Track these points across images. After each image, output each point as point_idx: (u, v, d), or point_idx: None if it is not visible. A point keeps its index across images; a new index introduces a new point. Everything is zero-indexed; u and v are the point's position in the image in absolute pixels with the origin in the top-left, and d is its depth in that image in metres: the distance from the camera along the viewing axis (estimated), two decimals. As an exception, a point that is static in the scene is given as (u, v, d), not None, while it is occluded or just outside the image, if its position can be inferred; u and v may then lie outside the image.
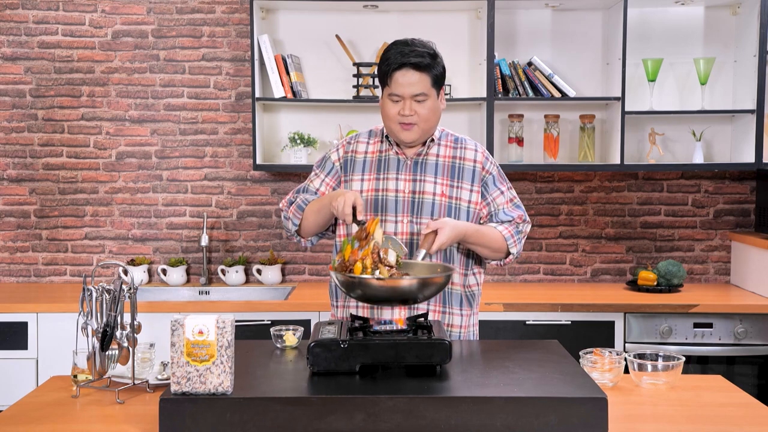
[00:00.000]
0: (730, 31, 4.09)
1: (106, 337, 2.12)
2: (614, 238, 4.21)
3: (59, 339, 3.52)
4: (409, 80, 2.44)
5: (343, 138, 2.66)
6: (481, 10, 3.99)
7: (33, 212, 4.20)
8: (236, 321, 2.93)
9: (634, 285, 3.95)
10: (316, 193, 2.60)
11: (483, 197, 2.56)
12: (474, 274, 2.61)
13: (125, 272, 3.82)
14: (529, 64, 4.01)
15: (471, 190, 2.55)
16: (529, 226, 2.62)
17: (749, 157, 3.90)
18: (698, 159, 4.00)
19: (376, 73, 2.48)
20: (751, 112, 3.89)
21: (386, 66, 2.45)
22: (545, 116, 4.06)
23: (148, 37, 4.16)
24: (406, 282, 2.12)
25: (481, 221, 2.57)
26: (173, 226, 4.22)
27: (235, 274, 4.09)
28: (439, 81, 2.50)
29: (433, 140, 2.57)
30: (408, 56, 2.44)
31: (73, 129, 4.18)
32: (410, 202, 2.51)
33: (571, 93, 3.96)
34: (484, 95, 3.89)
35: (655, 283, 3.85)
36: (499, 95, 3.94)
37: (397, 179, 2.53)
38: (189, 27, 4.16)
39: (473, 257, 2.59)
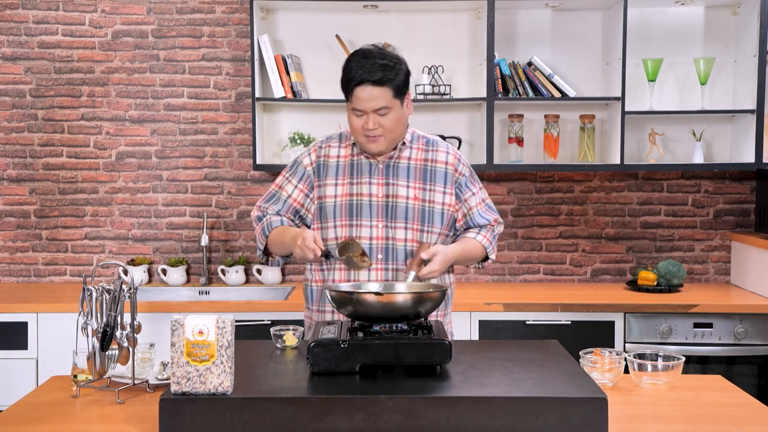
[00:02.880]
0: (730, 31, 4.09)
1: (106, 337, 2.12)
2: (614, 238, 4.21)
3: (59, 339, 3.51)
4: (369, 95, 2.42)
5: (314, 142, 2.66)
6: (481, 10, 3.99)
7: (33, 212, 4.20)
8: (236, 321, 2.93)
9: (634, 285, 3.95)
10: (287, 201, 2.58)
11: (457, 198, 2.58)
12: (448, 273, 2.64)
13: (125, 272, 3.81)
14: (529, 64, 4.01)
15: (444, 192, 2.56)
16: (503, 226, 2.68)
17: (749, 157, 3.90)
18: (698, 159, 4.00)
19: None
20: (751, 112, 3.89)
21: (347, 82, 2.45)
22: (545, 116, 4.06)
23: (148, 37, 4.16)
24: (401, 298, 2.13)
25: (457, 224, 2.61)
26: (173, 226, 4.22)
27: (235, 274, 4.09)
28: (401, 90, 2.47)
29: (404, 143, 2.57)
30: (368, 71, 2.41)
31: (73, 129, 4.18)
32: (384, 207, 2.52)
33: (571, 93, 3.96)
34: (484, 95, 3.89)
35: (655, 283, 3.85)
36: (499, 95, 3.94)
37: (370, 183, 2.53)
38: (189, 27, 4.16)
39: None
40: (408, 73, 2.51)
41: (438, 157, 2.59)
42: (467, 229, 2.63)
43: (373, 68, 2.42)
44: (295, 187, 2.59)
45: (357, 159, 2.56)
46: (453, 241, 2.61)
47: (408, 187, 2.53)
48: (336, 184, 2.55)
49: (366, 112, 2.44)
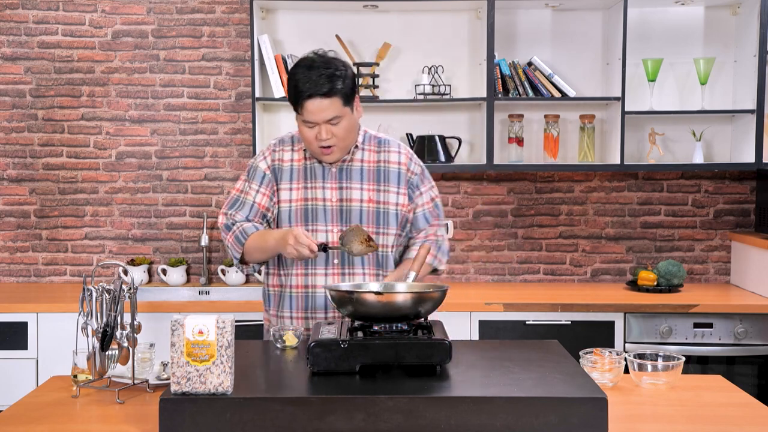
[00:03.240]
0: (730, 31, 4.09)
1: (106, 337, 2.12)
2: (614, 238, 4.21)
3: (59, 339, 3.51)
4: (319, 107, 2.40)
5: (266, 146, 2.65)
6: (481, 10, 3.98)
7: (33, 212, 4.20)
8: (236, 321, 2.93)
9: (634, 285, 3.95)
10: (253, 206, 2.56)
11: (410, 198, 2.60)
12: None
13: (125, 272, 3.81)
14: (529, 64, 4.01)
15: (397, 193, 2.57)
16: (445, 230, 2.68)
17: (749, 157, 3.90)
18: (698, 159, 4.00)
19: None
20: (751, 112, 3.89)
21: (295, 96, 2.42)
22: (545, 116, 4.06)
23: (148, 37, 4.16)
24: (401, 297, 2.12)
25: (409, 225, 2.62)
26: (173, 226, 4.22)
27: (235, 274, 4.08)
28: (349, 97, 2.45)
29: (357, 146, 2.56)
30: (314, 84, 2.38)
31: (73, 129, 4.18)
32: (338, 211, 2.52)
33: (571, 93, 3.96)
34: (484, 95, 3.89)
35: (655, 283, 3.85)
36: (499, 95, 3.94)
37: (323, 188, 2.53)
38: (189, 27, 4.16)
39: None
40: (354, 77, 2.49)
41: (390, 158, 2.59)
42: (410, 238, 2.63)
43: (320, 80, 2.39)
44: (257, 191, 2.57)
45: (310, 163, 2.56)
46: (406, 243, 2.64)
47: (362, 189, 2.53)
48: (290, 189, 2.54)
49: (317, 123, 2.42)
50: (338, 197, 2.53)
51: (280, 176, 2.56)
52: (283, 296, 2.57)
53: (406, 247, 2.66)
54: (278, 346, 2.31)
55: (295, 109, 2.46)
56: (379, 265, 2.55)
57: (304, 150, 2.57)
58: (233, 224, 2.57)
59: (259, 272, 2.70)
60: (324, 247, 2.39)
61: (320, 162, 2.54)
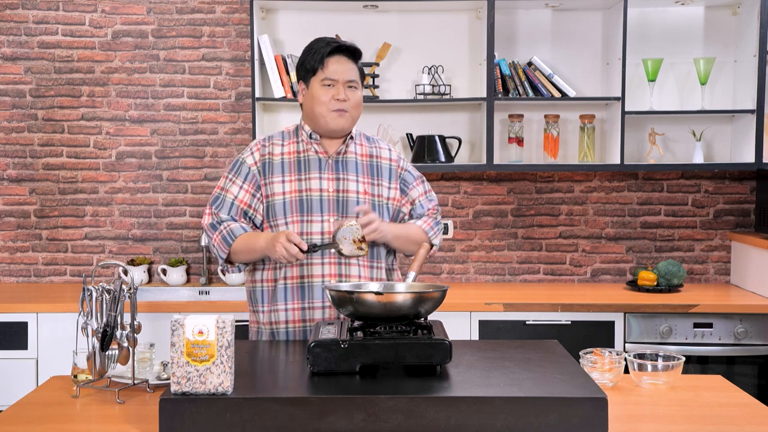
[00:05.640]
0: (730, 31, 4.09)
1: (106, 337, 2.12)
2: (614, 238, 4.21)
3: (59, 339, 3.52)
4: (343, 67, 2.51)
5: (254, 141, 2.65)
6: (481, 10, 3.99)
7: (33, 212, 4.20)
8: (236, 321, 2.93)
9: (634, 285, 3.95)
10: (233, 203, 2.54)
11: (403, 193, 2.62)
12: (396, 268, 2.67)
13: (125, 272, 3.81)
14: (529, 64, 4.01)
15: (389, 188, 2.60)
16: (440, 214, 2.71)
17: (749, 157, 3.90)
18: (698, 159, 4.00)
19: (306, 66, 2.53)
20: (751, 112, 3.89)
21: (318, 53, 2.50)
22: (545, 116, 4.06)
23: (148, 37, 4.16)
24: (401, 297, 2.12)
25: (405, 218, 2.64)
26: (173, 226, 4.22)
27: (236, 274, 4.08)
28: (363, 76, 2.58)
29: (352, 137, 2.59)
30: (339, 43, 2.52)
31: (73, 129, 4.18)
32: (335, 201, 2.52)
33: (571, 93, 3.96)
34: (484, 95, 3.89)
35: (655, 283, 3.85)
36: (499, 95, 3.94)
37: (320, 179, 2.53)
38: (189, 27, 4.16)
39: (394, 254, 2.66)
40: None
41: (382, 154, 2.63)
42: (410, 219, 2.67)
43: (345, 43, 2.54)
44: (240, 187, 2.55)
45: (304, 155, 2.56)
46: None
47: (358, 181, 2.55)
48: (283, 181, 2.53)
49: (338, 82, 2.49)
50: (335, 188, 2.53)
51: (271, 170, 2.55)
52: (277, 289, 2.53)
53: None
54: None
55: (312, 72, 2.51)
56: (373, 257, 2.55)
57: (297, 143, 2.58)
58: (219, 224, 2.54)
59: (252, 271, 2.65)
60: (314, 247, 2.38)
61: (317, 152, 2.55)
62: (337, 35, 4.03)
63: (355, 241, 2.37)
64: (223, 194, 2.57)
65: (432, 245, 2.63)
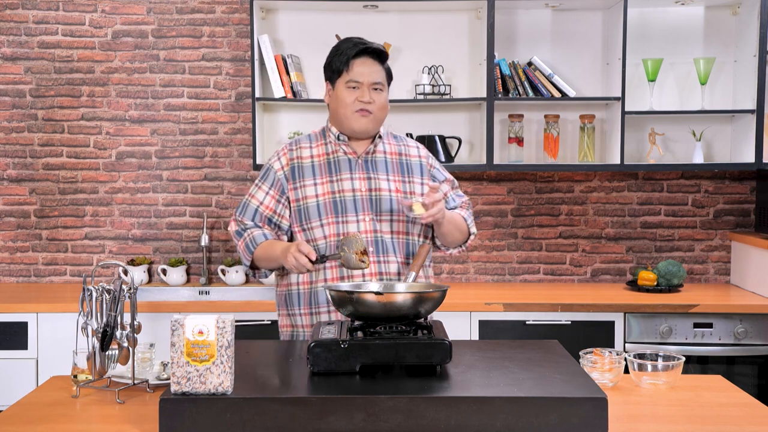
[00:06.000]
0: (730, 31, 4.09)
1: (106, 337, 2.12)
2: (614, 238, 4.21)
3: (59, 339, 3.52)
4: (369, 69, 2.50)
5: (283, 145, 2.65)
6: (481, 10, 3.99)
7: (33, 212, 4.20)
8: (236, 321, 2.93)
9: (634, 285, 3.95)
10: (258, 209, 2.55)
11: None
12: (430, 265, 2.66)
13: (125, 272, 3.81)
14: (529, 64, 4.01)
15: (421, 184, 2.60)
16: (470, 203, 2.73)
17: (749, 157, 3.90)
18: (698, 159, 4.00)
19: (332, 67, 2.54)
20: (751, 112, 3.89)
21: (344, 55, 2.50)
22: (545, 116, 4.06)
23: (148, 37, 4.16)
24: (401, 297, 2.12)
25: None
26: (173, 226, 4.22)
27: (235, 274, 4.08)
28: (389, 78, 2.56)
29: (380, 137, 2.59)
30: (366, 44, 2.51)
31: (73, 129, 4.18)
32: (369, 200, 2.52)
33: (571, 93, 3.96)
34: (484, 95, 3.89)
35: (655, 283, 3.85)
36: (499, 95, 3.94)
37: (352, 179, 2.53)
38: (189, 27, 4.16)
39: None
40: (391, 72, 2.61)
41: (410, 152, 2.63)
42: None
43: (371, 45, 2.52)
44: (266, 193, 2.56)
45: (333, 157, 2.56)
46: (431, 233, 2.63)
47: (389, 180, 2.55)
48: (315, 184, 2.53)
49: (362, 84, 2.49)
50: (367, 187, 2.52)
51: (301, 174, 2.55)
52: (317, 292, 2.51)
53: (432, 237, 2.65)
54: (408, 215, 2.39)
55: (337, 74, 2.51)
56: (408, 254, 2.53)
57: (324, 144, 2.57)
58: (244, 230, 2.57)
59: (282, 275, 2.63)
60: (322, 258, 2.38)
61: (346, 153, 2.54)
62: (337, 35, 4.03)
63: (357, 253, 2.36)
64: (249, 200, 2.59)
65: (471, 233, 2.64)
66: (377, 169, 2.55)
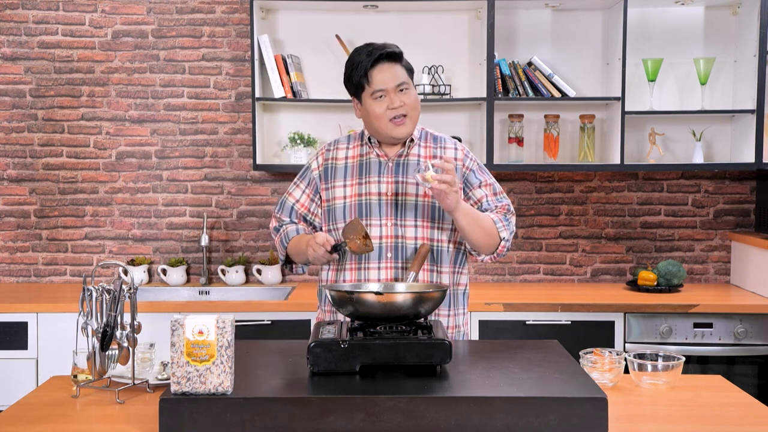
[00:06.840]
0: (730, 31, 4.09)
1: (106, 337, 2.12)
2: (614, 238, 4.21)
3: (59, 339, 3.52)
4: (389, 73, 2.45)
5: (323, 145, 2.65)
6: (481, 10, 3.99)
7: (33, 212, 4.20)
8: (236, 321, 2.93)
9: (634, 285, 3.95)
10: (293, 207, 2.58)
11: (465, 193, 2.55)
12: (464, 273, 2.59)
13: (125, 272, 3.82)
14: (529, 64, 4.01)
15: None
16: (515, 217, 2.58)
17: (749, 157, 3.90)
18: (698, 159, 4.00)
19: (353, 82, 2.49)
20: (751, 112, 3.89)
21: (360, 68, 2.45)
22: (545, 116, 4.06)
23: (148, 37, 4.16)
24: (401, 298, 2.12)
25: None
26: (173, 226, 4.22)
27: (235, 274, 4.09)
28: (410, 72, 2.51)
29: (413, 140, 2.55)
30: (378, 50, 2.46)
31: (73, 129, 4.18)
32: (393, 204, 2.50)
33: (571, 93, 3.96)
34: (484, 95, 3.89)
35: (655, 283, 3.85)
36: (499, 95, 3.94)
37: (379, 182, 2.51)
38: (189, 27, 4.16)
39: (463, 255, 2.58)
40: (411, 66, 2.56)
41: (446, 154, 2.56)
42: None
43: (381, 49, 2.45)
44: (303, 191, 2.59)
45: (366, 158, 2.55)
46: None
47: (417, 184, 2.50)
48: (345, 186, 2.53)
49: (387, 90, 2.44)
50: (393, 191, 2.50)
51: (333, 174, 2.55)
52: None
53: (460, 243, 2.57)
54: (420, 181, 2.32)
55: (361, 89, 2.46)
56: (434, 260, 2.50)
57: (360, 146, 2.56)
58: (280, 227, 2.60)
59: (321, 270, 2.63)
60: (337, 247, 2.38)
61: (378, 156, 2.53)
62: (337, 35, 4.03)
63: (360, 238, 2.36)
64: (287, 197, 2.62)
65: (500, 240, 2.49)
66: (407, 172, 2.52)
